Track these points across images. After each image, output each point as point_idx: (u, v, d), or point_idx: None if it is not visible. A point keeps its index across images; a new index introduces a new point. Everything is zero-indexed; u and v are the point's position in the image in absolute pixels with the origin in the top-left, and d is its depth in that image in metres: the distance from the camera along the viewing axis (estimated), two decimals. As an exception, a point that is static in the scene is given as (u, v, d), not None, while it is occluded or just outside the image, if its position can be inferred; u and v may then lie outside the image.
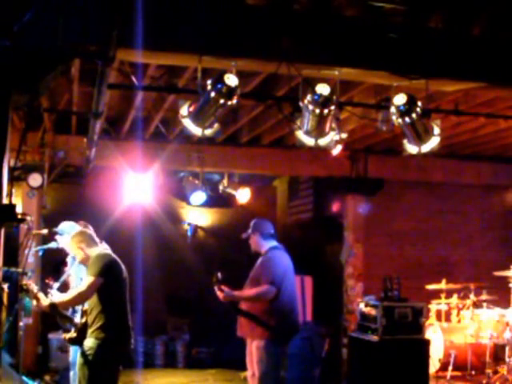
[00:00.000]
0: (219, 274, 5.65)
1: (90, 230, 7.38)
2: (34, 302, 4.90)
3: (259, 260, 5.95)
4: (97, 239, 5.23)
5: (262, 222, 6.07)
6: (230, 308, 5.89)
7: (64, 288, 6.54)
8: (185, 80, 5.97)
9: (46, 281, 6.64)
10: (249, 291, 5.76)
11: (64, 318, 5.05)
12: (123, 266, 5.07)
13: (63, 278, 6.52)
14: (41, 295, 4.87)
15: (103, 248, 5.14)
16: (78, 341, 4.84)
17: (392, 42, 4.89)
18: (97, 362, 4.71)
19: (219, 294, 5.69)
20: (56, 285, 6.43)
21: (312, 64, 4.90)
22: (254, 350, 5.69)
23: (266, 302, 5.68)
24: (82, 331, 4.82)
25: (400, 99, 5.03)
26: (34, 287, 4.92)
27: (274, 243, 5.99)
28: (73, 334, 4.90)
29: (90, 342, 4.73)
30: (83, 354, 4.75)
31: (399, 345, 7.03)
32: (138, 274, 8.28)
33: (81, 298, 4.84)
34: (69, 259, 6.61)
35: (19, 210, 7.22)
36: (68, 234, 6.52)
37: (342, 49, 4.86)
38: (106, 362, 4.78)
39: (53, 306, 4.82)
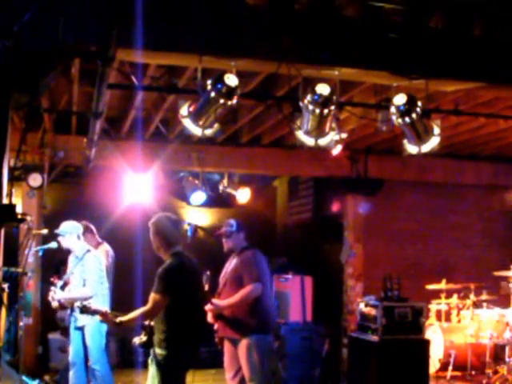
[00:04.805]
0: (208, 273, 5.65)
1: (93, 229, 7.43)
2: (99, 318, 4.89)
3: (237, 259, 5.85)
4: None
5: (242, 223, 6.03)
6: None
7: (63, 286, 6.56)
8: (185, 80, 5.97)
9: (51, 279, 6.66)
10: (236, 297, 5.65)
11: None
12: (195, 265, 4.94)
13: (66, 276, 6.54)
14: (110, 314, 4.85)
15: (176, 252, 4.87)
16: (150, 343, 4.74)
17: (392, 41, 4.89)
18: (168, 369, 4.64)
19: (210, 310, 5.65)
20: (60, 283, 6.45)
21: (312, 64, 4.90)
22: (243, 348, 5.61)
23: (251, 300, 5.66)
24: (152, 333, 4.75)
25: (400, 99, 5.03)
26: (103, 308, 4.94)
27: (246, 243, 5.99)
28: (143, 337, 4.83)
29: (159, 350, 4.67)
30: (156, 361, 4.68)
31: (399, 345, 7.03)
32: (138, 273, 8.28)
33: (147, 317, 4.71)
34: (71, 258, 6.62)
35: (19, 209, 7.22)
36: (70, 234, 6.54)
37: (342, 49, 4.86)
38: (176, 369, 4.72)
39: (120, 324, 4.78)
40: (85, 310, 4.90)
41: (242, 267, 5.75)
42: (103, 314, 4.82)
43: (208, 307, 5.65)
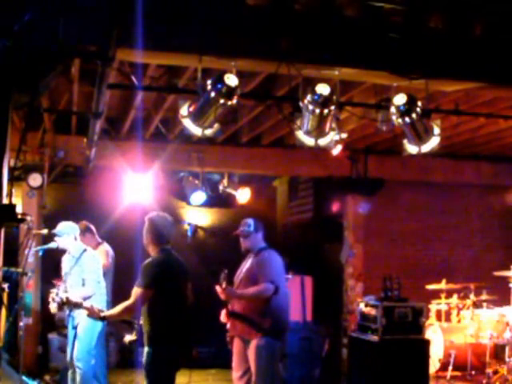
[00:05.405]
0: (226, 271, 5.60)
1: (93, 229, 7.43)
2: (86, 312, 4.89)
3: (253, 259, 5.84)
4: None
5: (260, 223, 6.01)
6: (225, 310, 5.80)
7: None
8: (185, 80, 5.97)
9: (54, 282, 6.65)
10: (250, 290, 5.67)
11: (125, 323, 5.01)
12: (182, 265, 4.95)
13: (65, 277, 6.53)
14: (95, 307, 4.85)
15: (164, 249, 4.90)
16: (141, 343, 4.77)
17: (392, 41, 4.89)
18: (152, 367, 4.65)
19: (221, 293, 5.62)
20: (62, 285, 6.44)
21: (312, 64, 4.90)
22: (252, 349, 5.63)
23: (264, 300, 5.64)
24: (142, 332, 4.76)
25: (400, 99, 5.03)
26: (87, 303, 4.95)
27: (264, 244, 5.96)
28: (133, 336, 4.84)
29: (146, 348, 4.68)
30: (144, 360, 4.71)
31: (399, 345, 7.03)
32: (138, 273, 8.27)
33: (129, 311, 4.72)
34: (66, 258, 6.61)
35: (19, 209, 7.22)
36: (67, 235, 6.53)
37: (342, 49, 4.86)
38: (161, 367, 4.70)
39: (104, 318, 4.84)
40: (66, 302, 4.90)
41: (257, 268, 5.75)
42: (88, 308, 4.82)
43: (218, 289, 5.59)
